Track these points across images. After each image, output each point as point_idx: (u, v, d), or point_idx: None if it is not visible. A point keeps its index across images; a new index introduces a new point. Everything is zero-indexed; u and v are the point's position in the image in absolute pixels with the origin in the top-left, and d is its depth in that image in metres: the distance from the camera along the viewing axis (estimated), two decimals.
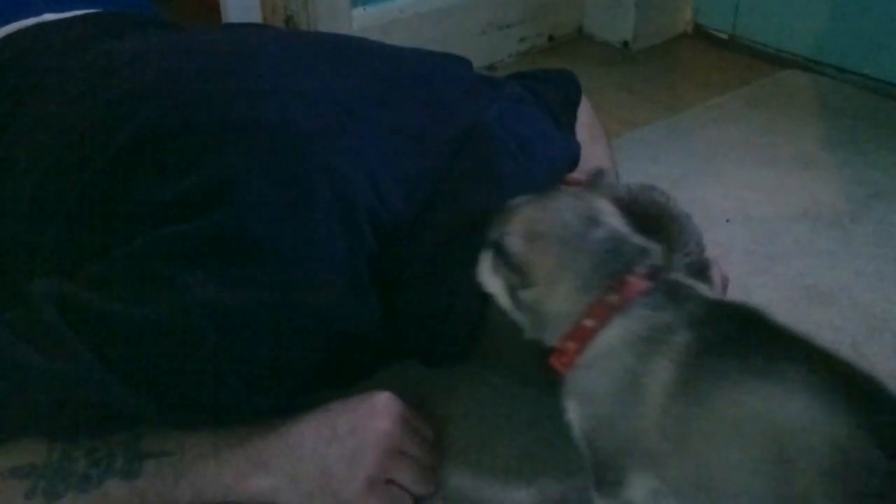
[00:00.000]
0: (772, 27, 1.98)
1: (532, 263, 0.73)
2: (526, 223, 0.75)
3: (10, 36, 1.09)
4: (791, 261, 1.27)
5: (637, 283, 0.71)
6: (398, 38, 1.65)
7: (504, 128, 0.95)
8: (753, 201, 1.42)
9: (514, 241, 0.74)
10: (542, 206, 0.77)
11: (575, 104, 1.16)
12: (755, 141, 1.62)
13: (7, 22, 1.11)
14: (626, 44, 2.07)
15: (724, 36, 2.08)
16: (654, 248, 0.74)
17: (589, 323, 0.71)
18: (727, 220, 1.36)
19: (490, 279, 0.79)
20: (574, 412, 0.73)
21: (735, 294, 1.19)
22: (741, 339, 0.67)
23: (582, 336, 0.71)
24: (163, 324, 0.74)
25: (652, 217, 0.86)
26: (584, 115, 1.18)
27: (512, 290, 0.76)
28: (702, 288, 0.74)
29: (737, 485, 0.63)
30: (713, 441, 0.64)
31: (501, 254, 0.75)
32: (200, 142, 0.84)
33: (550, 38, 2.09)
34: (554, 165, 0.99)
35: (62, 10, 1.13)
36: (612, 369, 0.70)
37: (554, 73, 1.17)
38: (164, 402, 0.75)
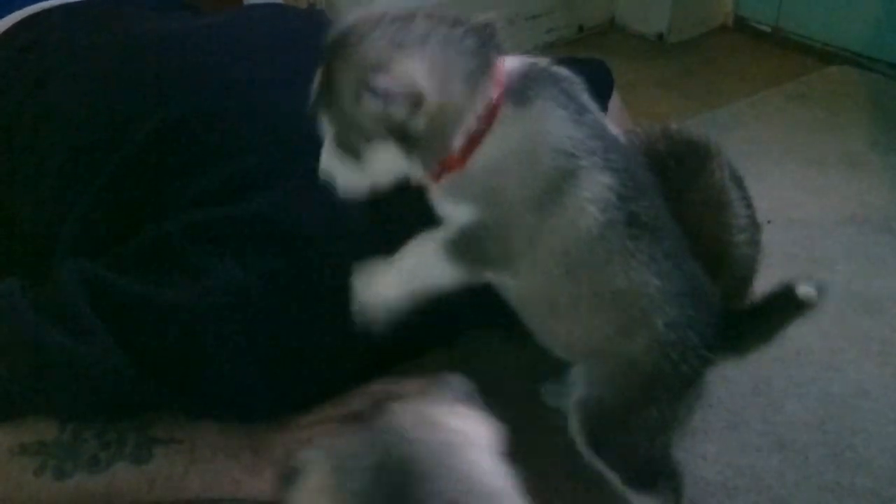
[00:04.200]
0: (819, 20, 1.89)
1: (413, 82, 0.66)
2: (382, 50, 0.67)
3: (32, 16, 1.09)
4: (835, 266, 1.20)
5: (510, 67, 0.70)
6: None
7: None
8: (796, 203, 1.35)
9: (386, 74, 0.65)
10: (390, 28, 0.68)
11: (605, 96, 1.10)
12: (799, 139, 1.54)
13: (29, 2, 1.12)
14: (661, 36, 1.99)
15: (767, 29, 1.99)
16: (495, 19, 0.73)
17: (482, 119, 0.68)
18: (767, 222, 1.28)
19: (382, 139, 0.69)
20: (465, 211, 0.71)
21: None
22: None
23: (477, 136, 0.69)
24: (187, 309, 0.74)
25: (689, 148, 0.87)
26: (614, 107, 1.12)
27: (401, 131, 0.68)
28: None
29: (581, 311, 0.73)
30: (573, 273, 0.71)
31: (377, 96, 0.66)
32: (233, 130, 0.84)
33: (580, 28, 2.02)
34: None
35: None
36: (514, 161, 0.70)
37: (584, 61, 1.11)
38: (179, 391, 0.74)
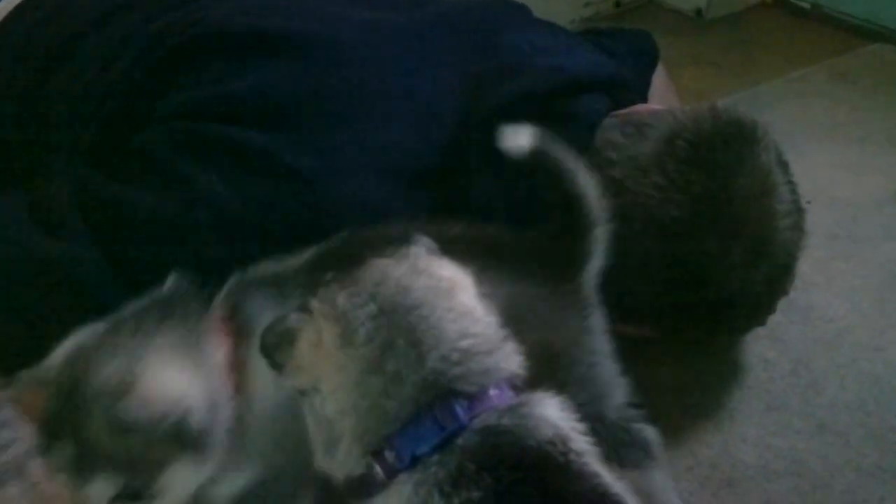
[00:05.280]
0: None
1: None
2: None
3: None
4: (879, 246, 1.18)
5: None
6: None
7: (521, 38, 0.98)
8: (837, 182, 1.31)
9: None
10: None
11: (649, 67, 1.08)
12: (840, 118, 1.50)
13: None
14: (699, 12, 1.95)
15: (807, 5, 1.94)
16: None
17: None
18: (808, 202, 1.25)
19: None
20: None
21: (815, 281, 1.12)
22: None
23: None
24: (166, 219, 0.78)
25: None
26: (658, 82, 1.09)
27: None
28: None
29: None
30: None
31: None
32: (255, 46, 0.87)
33: (617, 4, 1.98)
34: (563, 69, 0.97)
35: None
36: None
37: (629, 33, 1.09)
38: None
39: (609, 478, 0.54)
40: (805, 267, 0.99)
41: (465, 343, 0.56)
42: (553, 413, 0.56)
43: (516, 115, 0.92)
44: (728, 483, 0.90)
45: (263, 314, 0.68)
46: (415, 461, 0.53)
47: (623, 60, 1.03)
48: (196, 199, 0.79)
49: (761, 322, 0.99)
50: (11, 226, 0.81)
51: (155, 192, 0.80)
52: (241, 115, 0.83)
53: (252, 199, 0.79)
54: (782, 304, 0.98)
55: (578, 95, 0.95)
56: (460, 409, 0.54)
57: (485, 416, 0.54)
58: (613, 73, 1.00)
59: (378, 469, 0.54)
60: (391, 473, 0.53)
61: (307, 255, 0.74)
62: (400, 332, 0.56)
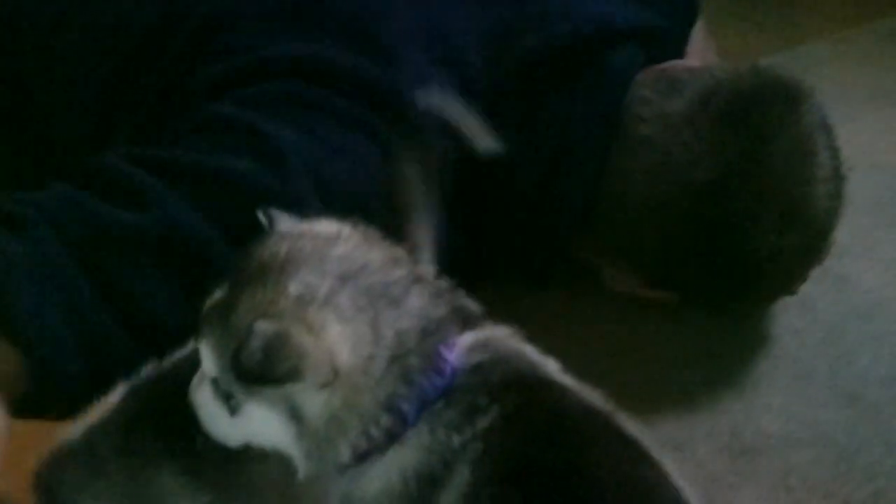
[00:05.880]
0: None
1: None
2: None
3: None
4: None
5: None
6: None
7: None
8: (883, 147, 1.27)
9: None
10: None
11: (689, 22, 1.04)
12: (887, 81, 1.45)
13: None
14: None
15: None
16: None
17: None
18: (850, 167, 1.22)
19: None
20: None
21: (853, 250, 1.09)
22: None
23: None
24: (251, 175, 0.70)
25: None
26: (697, 38, 1.05)
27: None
28: None
29: None
30: None
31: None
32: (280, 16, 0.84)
33: None
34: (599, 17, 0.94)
35: None
36: None
37: None
38: None
39: (584, 390, 0.55)
40: (843, 235, 0.95)
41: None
42: (515, 342, 0.56)
43: (547, 65, 0.90)
44: (748, 451, 0.88)
45: None
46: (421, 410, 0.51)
47: (661, 13, 0.98)
48: (284, 153, 0.72)
49: (792, 291, 0.96)
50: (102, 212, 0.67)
51: (237, 155, 0.71)
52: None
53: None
54: (816, 272, 0.95)
55: (613, 46, 0.92)
56: (448, 353, 0.52)
57: (467, 355, 0.53)
58: (651, 24, 0.96)
59: (394, 424, 0.51)
60: (402, 427, 0.52)
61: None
62: (373, 295, 0.51)
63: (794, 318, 1.03)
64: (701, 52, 1.06)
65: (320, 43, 0.83)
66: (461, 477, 0.50)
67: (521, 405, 0.52)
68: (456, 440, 0.51)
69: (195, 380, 0.54)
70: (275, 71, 0.80)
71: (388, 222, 0.64)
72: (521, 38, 0.90)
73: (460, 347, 0.53)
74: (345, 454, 0.51)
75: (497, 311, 0.56)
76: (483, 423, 0.51)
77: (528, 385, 0.53)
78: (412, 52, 0.85)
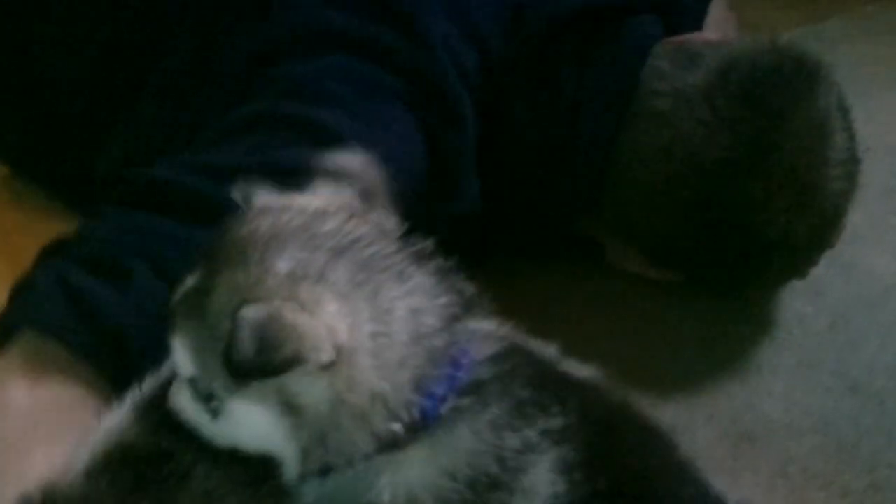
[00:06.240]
0: None
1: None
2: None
3: None
4: None
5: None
6: None
7: None
8: None
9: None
10: None
11: None
12: None
13: None
14: None
15: None
16: None
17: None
18: (866, 149, 1.19)
19: None
20: None
21: (865, 235, 1.07)
22: None
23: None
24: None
25: None
26: (717, 10, 1.02)
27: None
28: None
29: None
30: None
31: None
32: None
33: None
34: None
35: None
36: None
37: None
38: None
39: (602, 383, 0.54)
40: (856, 219, 0.93)
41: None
42: (507, 330, 0.52)
43: (563, 35, 0.88)
44: (748, 437, 0.87)
45: None
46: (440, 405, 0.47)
47: None
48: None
49: (801, 275, 0.95)
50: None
51: (297, 148, 0.69)
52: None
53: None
54: (825, 257, 0.93)
55: (632, 16, 0.90)
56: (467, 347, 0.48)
57: (477, 347, 0.49)
58: None
59: (426, 406, 0.46)
60: (435, 410, 0.47)
61: None
62: (372, 269, 0.47)
63: (800, 303, 1.01)
64: (720, 25, 1.03)
65: (358, 16, 0.81)
66: (545, 487, 0.46)
67: (581, 407, 0.48)
68: (513, 441, 0.46)
69: (174, 384, 0.49)
70: (321, 44, 0.78)
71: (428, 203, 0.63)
72: (537, 10, 0.88)
73: (481, 334, 0.49)
74: (365, 443, 0.46)
75: (496, 290, 0.53)
76: (551, 423, 0.47)
77: (568, 383, 0.50)
78: (442, 27, 0.83)
